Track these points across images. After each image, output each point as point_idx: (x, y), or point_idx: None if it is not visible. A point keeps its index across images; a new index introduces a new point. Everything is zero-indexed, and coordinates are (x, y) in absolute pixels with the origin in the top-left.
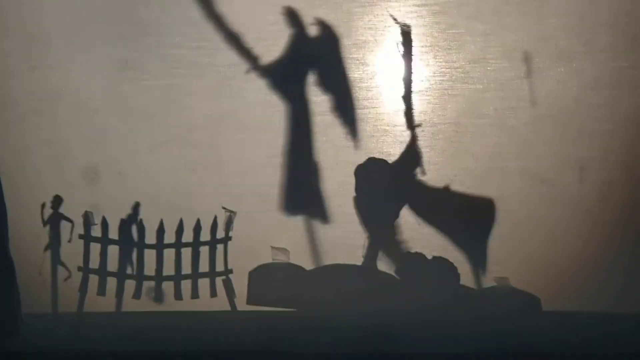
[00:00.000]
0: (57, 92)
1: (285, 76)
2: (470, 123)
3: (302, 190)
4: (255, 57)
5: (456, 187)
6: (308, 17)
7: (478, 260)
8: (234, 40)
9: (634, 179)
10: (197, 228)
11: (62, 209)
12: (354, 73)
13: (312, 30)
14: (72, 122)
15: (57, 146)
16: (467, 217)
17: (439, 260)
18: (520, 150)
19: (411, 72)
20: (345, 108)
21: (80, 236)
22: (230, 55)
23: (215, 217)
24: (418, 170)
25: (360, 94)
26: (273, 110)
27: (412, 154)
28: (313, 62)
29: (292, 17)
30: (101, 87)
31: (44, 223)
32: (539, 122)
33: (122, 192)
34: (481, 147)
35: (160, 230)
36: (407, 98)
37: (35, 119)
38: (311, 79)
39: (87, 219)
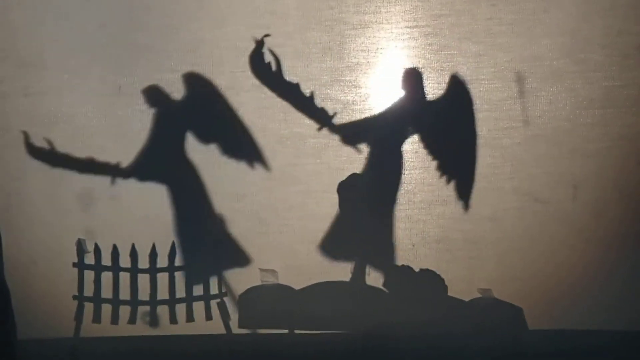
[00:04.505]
0: (52, 117)
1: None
2: None
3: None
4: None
5: (451, 207)
6: (299, 40)
7: None
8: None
9: (626, 196)
10: None
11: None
12: (347, 96)
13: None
14: (67, 147)
15: (51, 171)
16: None
17: (426, 273)
18: (514, 170)
19: None
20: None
21: (74, 264)
22: (225, 79)
23: None
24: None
25: (353, 117)
26: (267, 133)
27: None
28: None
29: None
30: (96, 112)
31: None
32: (532, 142)
33: (115, 217)
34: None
35: (153, 255)
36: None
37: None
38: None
39: (80, 246)
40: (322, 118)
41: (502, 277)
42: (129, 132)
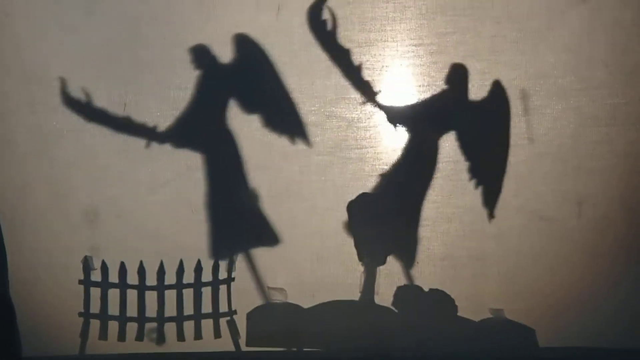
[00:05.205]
0: (58, 132)
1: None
2: None
3: None
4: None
5: (456, 224)
6: (304, 58)
7: None
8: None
9: (631, 213)
10: (198, 269)
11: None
12: (352, 113)
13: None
14: (73, 162)
15: (57, 187)
16: None
17: (436, 292)
18: (518, 187)
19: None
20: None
21: (80, 281)
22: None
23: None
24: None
25: (358, 134)
26: (273, 149)
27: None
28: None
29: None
30: (101, 128)
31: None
32: (537, 159)
33: (122, 234)
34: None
35: (161, 272)
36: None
37: (36, 159)
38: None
39: (87, 263)
40: (367, 91)
41: (507, 294)
42: (135, 149)
